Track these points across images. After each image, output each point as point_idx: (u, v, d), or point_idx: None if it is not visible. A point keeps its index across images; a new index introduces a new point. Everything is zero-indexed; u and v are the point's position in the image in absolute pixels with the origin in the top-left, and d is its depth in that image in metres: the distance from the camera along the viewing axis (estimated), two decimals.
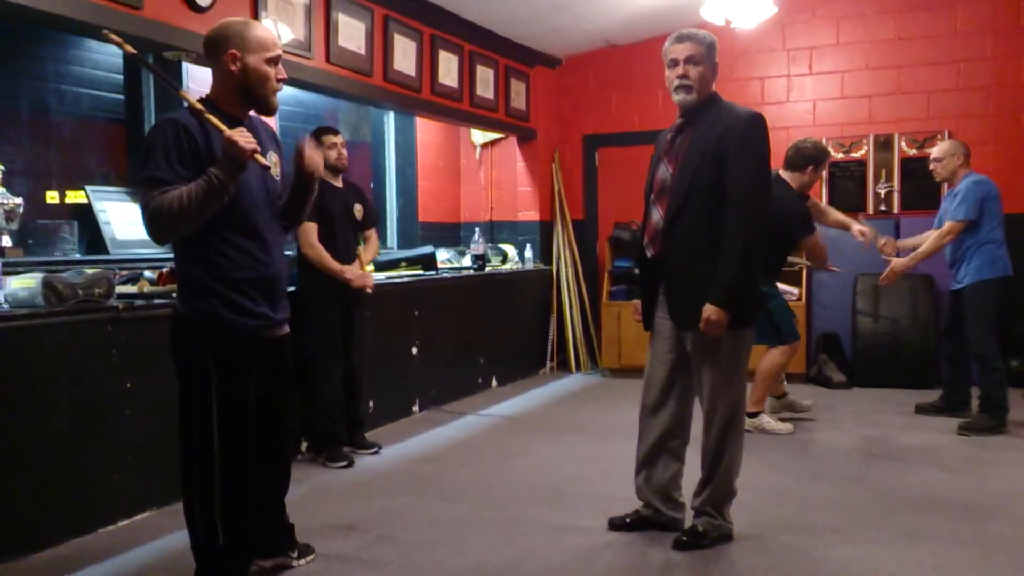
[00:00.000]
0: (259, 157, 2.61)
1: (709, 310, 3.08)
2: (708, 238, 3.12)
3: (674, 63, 3.22)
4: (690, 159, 3.18)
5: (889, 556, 3.20)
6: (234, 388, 2.72)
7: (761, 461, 4.54)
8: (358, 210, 4.68)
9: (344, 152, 4.60)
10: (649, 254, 3.30)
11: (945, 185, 5.62)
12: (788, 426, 5.23)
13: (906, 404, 5.82)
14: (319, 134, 4.57)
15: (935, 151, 5.42)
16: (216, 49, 2.72)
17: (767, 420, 5.23)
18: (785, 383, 6.37)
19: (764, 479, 4.18)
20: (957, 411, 5.46)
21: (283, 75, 2.80)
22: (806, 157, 5.11)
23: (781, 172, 5.13)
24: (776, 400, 5.60)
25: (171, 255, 4.52)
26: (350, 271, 4.50)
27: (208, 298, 2.68)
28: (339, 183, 4.60)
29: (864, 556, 3.21)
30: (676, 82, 3.22)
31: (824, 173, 5.41)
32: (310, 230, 4.41)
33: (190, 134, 2.60)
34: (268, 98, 2.77)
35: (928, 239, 5.35)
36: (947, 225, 5.24)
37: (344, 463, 4.48)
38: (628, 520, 3.46)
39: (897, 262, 5.43)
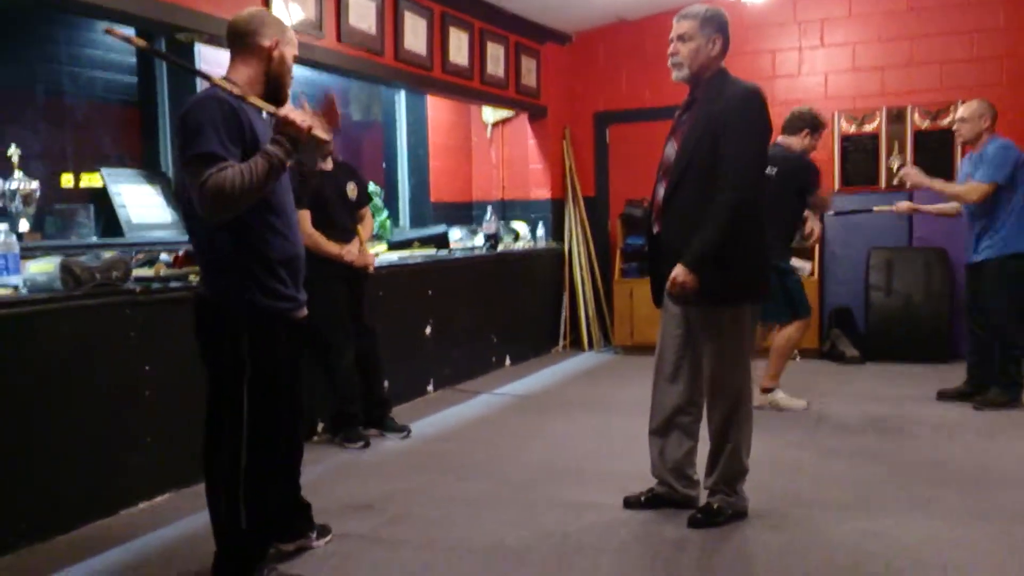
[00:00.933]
0: (318, 133, 2.60)
1: (677, 269, 3.10)
2: (703, 214, 3.11)
3: (670, 42, 3.27)
4: (691, 135, 3.20)
5: (905, 530, 3.22)
6: (267, 374, 2.70)
7: (774, 437, 4.55)
8: (351, 189, 4.66)
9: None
10: (654, 231, 3.32)
11: (962, 150, 5.47)
12: (802, 402, 5.23)
13: (920, 378, 5.81)
14: None
15: (961, 110, 5.19)
16: (258, 35, 2.72)
17: (781, 396, 5.23)
18: (797, 357, 6.40)
19: (778, 455, 4.20)
20: (980, 394, 5.18)
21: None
22: (802, 119, 5.14)
23: (780, 138, 5.14)
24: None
25: (185, 237, 4.58)
26: (348, 251, 4.50)
27: (244, 281, 2.64)
28: (329, 166, 4.58)
29: (880, 531, 3.22)
30: (669, 60, 3.27)
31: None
32: (303, 217, 4.40)
33: (235, 112, 2.56)
34: (287, 89, 2.80)
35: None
36: (971, 184, 4.99)
37: (361, 443, 4.52)
38: (643, 499, 3.48)
39: (914, 172, 5.30)
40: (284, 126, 2.56)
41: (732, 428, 3.29)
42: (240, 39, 2.74)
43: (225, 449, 2.71)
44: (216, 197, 2.45)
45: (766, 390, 5.21)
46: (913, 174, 5.30)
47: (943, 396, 5.33)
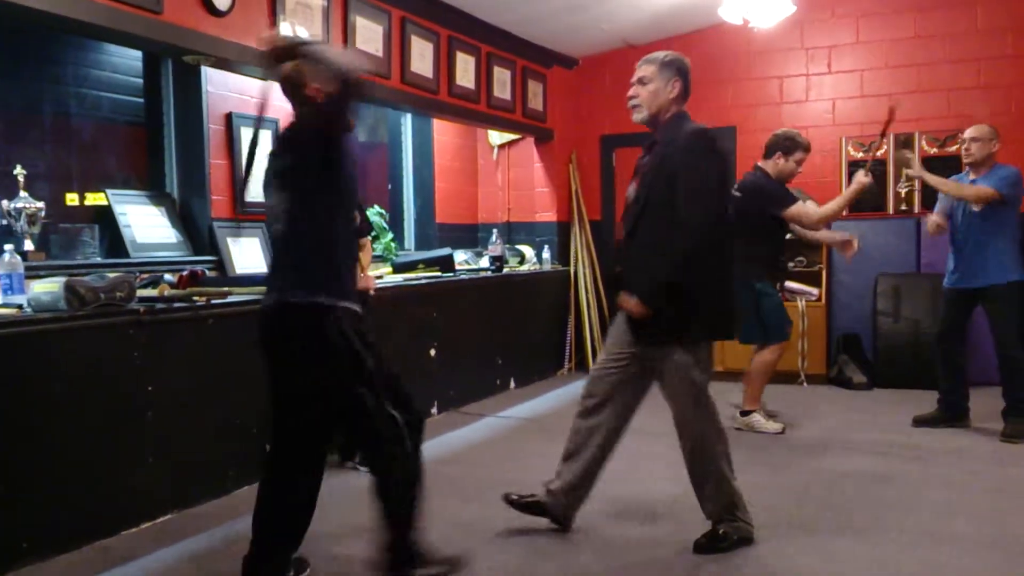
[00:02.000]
0: None
1: (624, 296, 3.21)
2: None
3: (631, 85, 3.36)
4: (647, 177, 3.26)
5: (911, 558, 3.18)
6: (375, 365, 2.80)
7: (779, 462, 4.52)
8: (355, 217, 4.68)
9: None
10: (616, 271, 3.39)
11: (962, 170, 5.44)
12: (778, 425, 5.22)
13: (927, 405, 5.75)
14: None
15: (971, 131, 5.10)
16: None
17: (757, 419, 5.24)
18: (804, 382, 6.37)
19: (783, 480, 4.16)
20: (958, 420, 5.22)
21: None
22: (774, 142, 5.21)
23: (758, 163, 5.26)
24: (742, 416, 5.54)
25: (191, 258, 4.58)
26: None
27: (344, 284, 2.79)
28: None
29: (885, 558, 3.18)
30: (629, 102, 3.37)
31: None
32: None
33: None
34: None
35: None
36: (974, 185, 4.93)
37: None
38: (523, 500, 3.51)
39: (917, 164, 5.29)
40: None
41: (699, 467, 3.31)
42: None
43: (379, 450, 2.84)
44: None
45: (744, 412, 5.25)
46: (916, 166, 5.30)
47: (919, 422, 5.28)
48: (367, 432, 2.84)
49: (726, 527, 3.28)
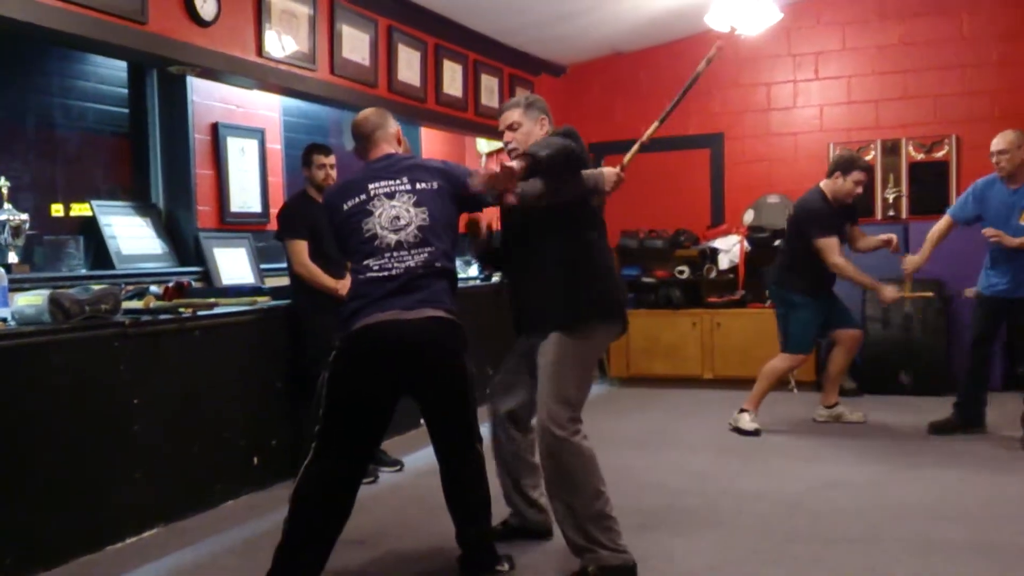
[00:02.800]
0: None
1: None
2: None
3: (501, 134, 3.35)
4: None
5: (904, 567, 3.17)
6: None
7: (771, 471, 4.51)
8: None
9: (333, 174, 4.55)
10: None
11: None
12: (755, 425, 5.34)
13: (917, 411, 5.76)
14: (311, 152, 4.54)
15: (998, 142, 4.97)
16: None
17: (744, 418, 5.37)
18: (795, 389, 6.38)
19: (775, 489, 4.15)
20: (973, 426, 5.17)
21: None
22: (833, 163, 5.43)
23: (822, 181, 5.43)
24: (826, 410, 5.66)
25: (177, 269, 4.55)
26: (344, 286, 4.48)
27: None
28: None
29: (879, 566, 3.17)
30: (506, 149, 3.33)
31: (858, 188, 5.26)
32: (301, 249, 4.39)
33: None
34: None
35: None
36: None
37: (370, 479, 4.44)
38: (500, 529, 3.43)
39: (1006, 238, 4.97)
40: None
41: (552, 467, 3.09)
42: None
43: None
44: None
45: (742, 410, 5.41)
46: (1007, 239, 4.97)
47: (936, 429, 5.23)
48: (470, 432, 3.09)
49: (588, 561, 3.02)
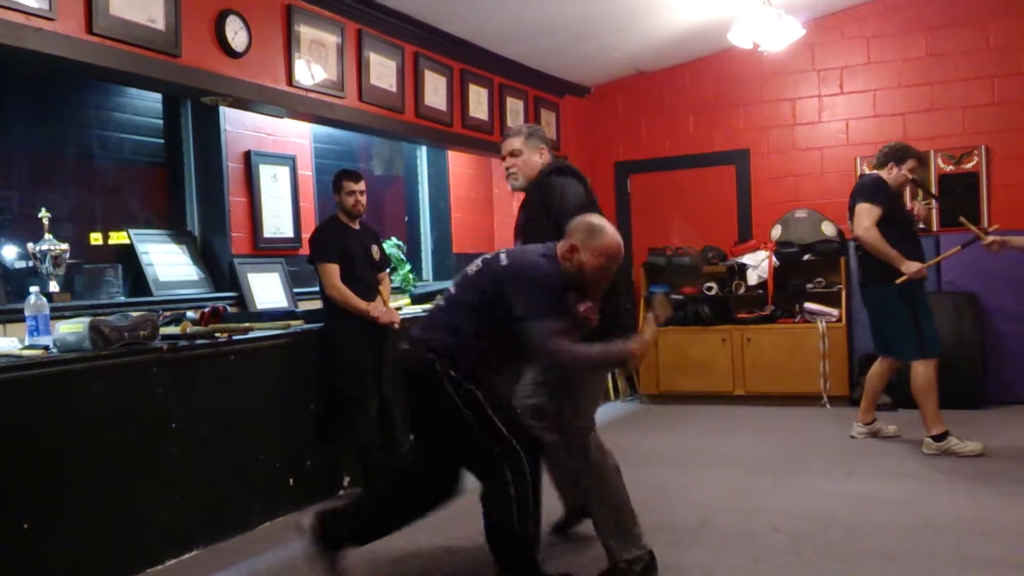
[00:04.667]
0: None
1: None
2: None
3: (503, 159, 3.62)
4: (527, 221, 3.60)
5: None
6: None
7: (804, 487, 4.49)
8: (375, 251, 4.76)
9: (362, 199, 4.65)
10: None
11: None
12: (974, 444, 4.96)
13: (953, 425, 5.69)
14: (340, 179, 4.63)
15: None
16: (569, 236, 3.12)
17: (952, 441, 4.99)
18: (827, 404, 6.32)
19: (808, 506, 4.13)
20: None
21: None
22: (885, 154, 5.25)
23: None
24: (864, 426, 5.55)
25: (212, 295, 4.64)
26: (375, 308, 4.55)
27: None
28: (356, 226, 4.68)
29: None
30: (506, 173, 3.64)
31: (913, 174, 5.15)
32: (332, 271, 4.47)
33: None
34: (595, 289, 3.17)
35: None
36: None
37: None
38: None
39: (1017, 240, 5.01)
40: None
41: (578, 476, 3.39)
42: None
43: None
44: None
45: (937, 437, 5.02)
46: (1016, 241, 5.04)
47: None
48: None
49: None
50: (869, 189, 5.14)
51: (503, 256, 3.07)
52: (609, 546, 3.24)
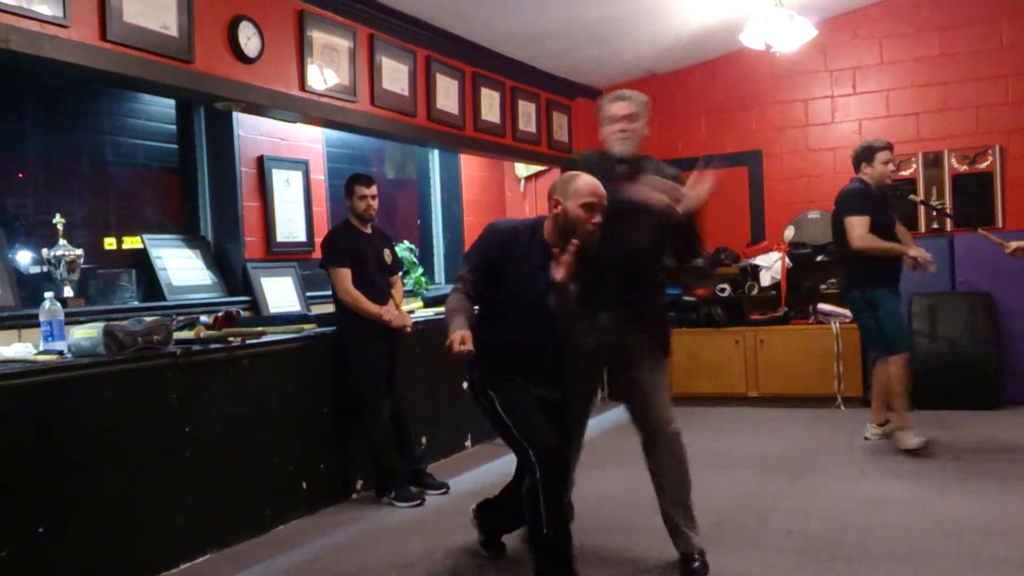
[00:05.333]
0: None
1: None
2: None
3: (615, 120, 3.55)
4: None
5: None
6: None
7: (818, 488, 4.47)
8: (387, 255, 4.77)
9: (374, 204, 4.66)
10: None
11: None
12: (919, 439, 5.08)
13: (968, 426, 5.67)
14: (352, 183, 4.64)
15: None
16: (553, 193, 3.23)
17: (906, 437, 5.13)
18: (841, 405, 6.29)
19: (823, 507, 4.11)
20: None
21: None
22: (855, 160, 5.34)
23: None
24: (877, 428, 5.51)
25: (226, 299, 4.67)
26: (388, 312, 4.56)
27: None
28: (368, 230, 4.69)
29: None
30: (619, 135, 3.53)
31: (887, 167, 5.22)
32: (344, 276, 4.49)
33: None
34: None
35: None
36: None
37: (416, 502, 4.49)
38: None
39: None
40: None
41: None
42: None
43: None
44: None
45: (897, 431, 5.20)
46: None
47: None
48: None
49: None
50: (853, 202, 5.19)
51: None
52: (687, 535, 3.37)
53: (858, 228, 5.10)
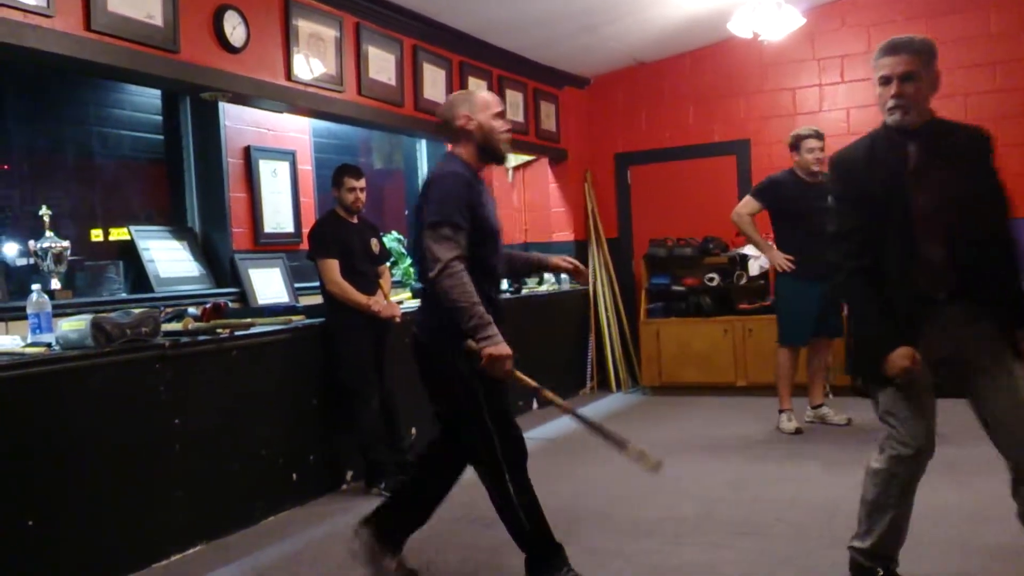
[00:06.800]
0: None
1: None
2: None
3: (886, 82, 2.86)
4: (953, 184, 2.80)
5: (941, 570, 3.15)
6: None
7: (805, 476, 4.49)
8: (374, 244, 4.76)
9: (362, 196, 4.65)
10: (941, 296, 2.83)
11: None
12: (793, 425, 5.55)
13: (954, 413, 5.68)
14: (341, 174, 4.63)
15: None
16: (454, 119, 3.08)
17: (782, 419, 5.61)
18: (830, 394, 6.34)
19: (810, 495, 4.14)
20: None
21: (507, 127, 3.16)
22: (789, 146, 5.68)
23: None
24: (811, 410, 5.80)
25: (214, 290, 4.65)
26: (376, 302, 4.55)
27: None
28: (355, 220, 4.68)
29: (917, 570, 3.15)
30: (894, 103, 2.85)
31: (812, 155, 5.52)
32: (332, 267, 4.48)
33: (470, 185, 2.96)
34: (500, 146, 3.10)
35: None
36: None
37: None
38: None
39: None
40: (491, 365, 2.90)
41: None
42: (446, 130, 3.14)
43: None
44: (445, 288, 2.84)
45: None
46: None
47: None
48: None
49: None
50: (759, 185, 5.76)
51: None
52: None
53: (739, 206, 5.68)
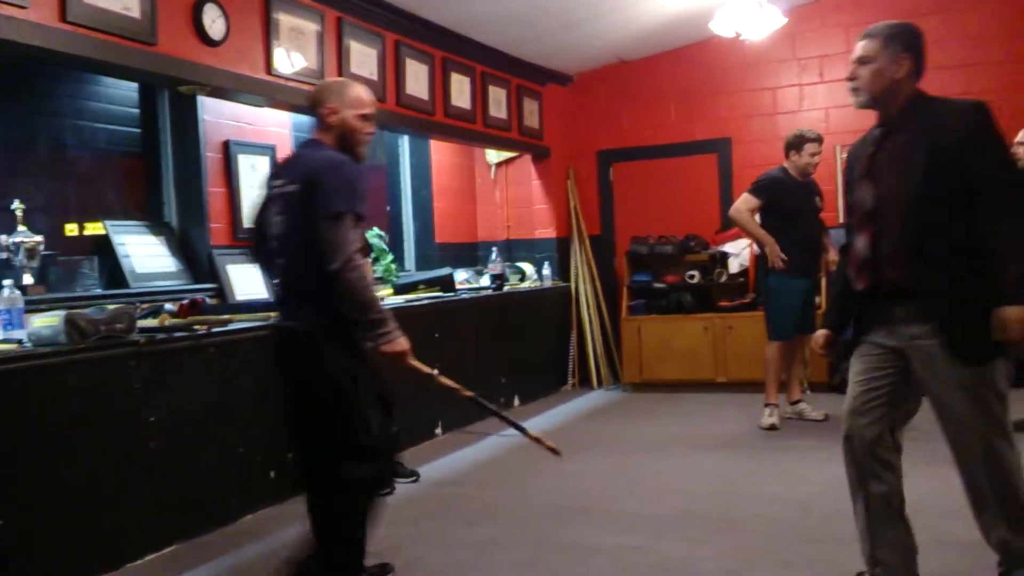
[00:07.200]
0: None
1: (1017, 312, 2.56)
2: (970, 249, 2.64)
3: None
4: (904, 172, 2.73)
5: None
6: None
7: (784, 472, 4.51)
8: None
9: None
10: (860, 287, 2.82)
11: None
12: (772, 420, 5.60)
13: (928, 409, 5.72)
14: None
15: (1022, 135, 5.22)
16: (321, 104, 3.02)
17: (764, 413, 5.66)
18: (807, 390, 6.38)
19: (789, 491, 4.15)
20: None
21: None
22: (786, 145, 5.70)
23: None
24: (789, 406, 5.85)
25: (191, 286, 4.61)
26: None
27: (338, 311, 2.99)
28: None
29: None
30: (848, 85, 2.88)
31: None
32: None
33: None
34: (360, 148, 3.07)
35: None
36: None
37: (386, 491, 4.46)
38: None
39: None
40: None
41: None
42: (311, 112, 3.10)
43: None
44: (350, 281, 2.79)
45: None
46: None
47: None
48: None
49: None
50: (757, 182, 5.69)
51: (288, 184, 2.95)
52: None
53: (739, 203, 5.66)
